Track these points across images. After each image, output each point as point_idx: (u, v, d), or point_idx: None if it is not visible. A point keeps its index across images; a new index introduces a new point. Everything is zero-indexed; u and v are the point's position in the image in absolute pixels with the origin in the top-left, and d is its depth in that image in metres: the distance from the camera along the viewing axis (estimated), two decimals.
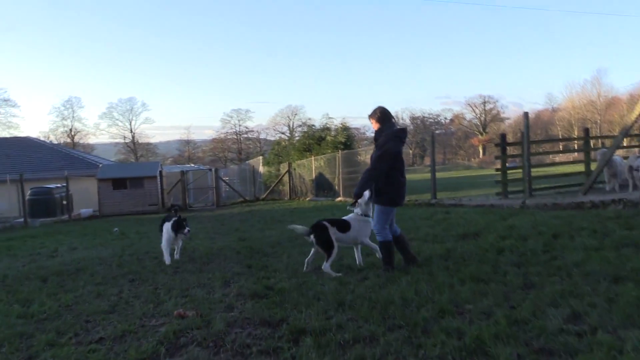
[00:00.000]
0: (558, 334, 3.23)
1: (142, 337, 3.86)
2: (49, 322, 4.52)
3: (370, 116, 5.96)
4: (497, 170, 13.65)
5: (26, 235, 14.79)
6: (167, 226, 7.84)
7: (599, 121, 67.47)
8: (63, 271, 7.42)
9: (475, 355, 3.02)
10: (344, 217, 6.13)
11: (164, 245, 7.81)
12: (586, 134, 14.57)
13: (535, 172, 13.29)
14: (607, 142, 17.68)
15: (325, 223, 6.01)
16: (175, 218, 7.93)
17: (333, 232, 5.94)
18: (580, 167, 15.44)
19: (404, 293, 4.44)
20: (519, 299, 4.10)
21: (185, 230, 7.73)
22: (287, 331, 3.70)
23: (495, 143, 14.81)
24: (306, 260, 6.14)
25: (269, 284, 5.39)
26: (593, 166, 14.05)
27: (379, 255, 6.00)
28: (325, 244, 5.89)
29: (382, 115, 5.88)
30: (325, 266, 5.82)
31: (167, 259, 7.61)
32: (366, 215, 6.04)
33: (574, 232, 7.03)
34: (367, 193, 5.81)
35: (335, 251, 5.87)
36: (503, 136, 13.45)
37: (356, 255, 6.24)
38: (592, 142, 15.00)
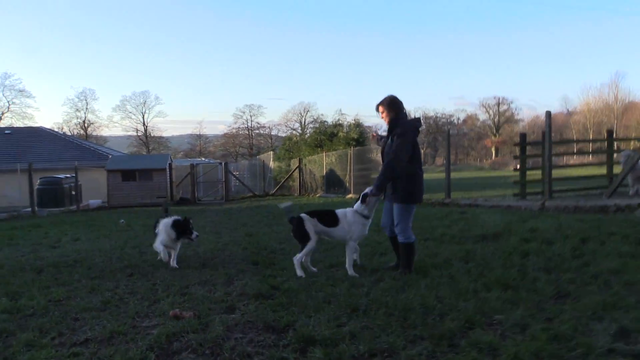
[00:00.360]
0: (608, 355, 2.78)
1: (131, 340, 3.45)
2: (35, 319, 4.13)
3: (380, 104, 5.44)
4: (515, 170, 13.12)
5: (31, 224, 14.49)
6: (166, 224, 6.60)
7: (615, 125, 66.29)
8: (60, 263, 7.06)
9: None
10: (336, 210, 5.68)
11: (158, 246, 6.69)
12: (609, 135, 13.99)
13: (554, 174, 12.77)
14: (631, 145, 17.08)
15: (303, 215, 5.58)
16: (177, 218, 6.67)
17: (313, 223, 5.51)
18: (600, 170, 14.91)
19: (424, 299, 3.99)
20: (555, 310, 3.64)
21: (193, 236, 6.60)
22: (293, 339, 3.27)
23: (514, 143, 14.27)
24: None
25: (275, 283, 4.96)
26: (616, 169, 13.50)
27: (351, 262, 5.46)
28: (300, 237, 5.53)
29: (393, 104, 5.41)
30: (296, 258, 5.48)
31: (164, 257, 6.65)
32: (366, 216, 5.49)
33: (603, 237, 6.55)
34: (368, 189, 5.37)
35: (310, 244, 5.46)
36: (523, 135, 12.94)
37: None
38: (615, 145, 14.39)
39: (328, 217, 5.56)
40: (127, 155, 37.64)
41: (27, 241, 10.35)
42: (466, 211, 11.18)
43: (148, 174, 23.73)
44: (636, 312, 3.45)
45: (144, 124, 76.61)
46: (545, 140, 11.71)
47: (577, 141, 18.14)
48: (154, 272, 6.08)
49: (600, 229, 7.24)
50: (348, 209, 5.60)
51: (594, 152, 16.53)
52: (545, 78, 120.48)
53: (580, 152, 17.99)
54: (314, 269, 5.63)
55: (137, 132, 76.63)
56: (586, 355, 2.79)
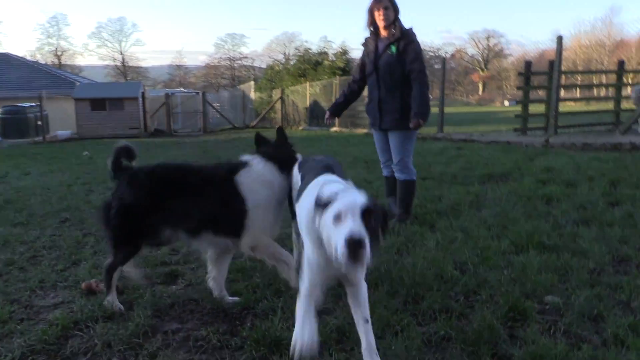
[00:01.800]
0: None
1: (8, 334, 2.31)
2: None
3: (380, 2, 4.09)
4: (517, 102, 11.94)
5: None
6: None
7: (605, 63, 64.61)
8: None
9: None
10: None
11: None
12: (620, 67, 12.74)
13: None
14: None
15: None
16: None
17: None
18: (606, 105, 13.80)
19: (439, 266, 2.87)
20: (627, 286, 2.57)
21: None
22: (252, 335, 2.17)
23: (518, 72, 13.02)
24: None
25: None
26: (626, 105, 12.41)
27: None
28: None
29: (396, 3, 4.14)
30: None
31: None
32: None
33: (636, 180, 5.51)
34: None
35: None
36: (528, 64, 11.63)
37: None
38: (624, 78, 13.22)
39: None
40: (97, 82, 35.29)
41: None
42: (462, 147, 10.08)
43: (119, 103, 22.00)
44: None
45: (121, 52, 73.40)
46: (554, 69, 10.46)
47: (590, 72, 16.80)
48: (92, 218, 4.90)
49: (628, 170, 6.20)
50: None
51: (602, 85, 15.31)
52: (536, 14, 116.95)
53: (585, 86, 16.63)
54: None
55: (114, 61, 73.53)
56: None
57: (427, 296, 2.46)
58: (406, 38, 3.99)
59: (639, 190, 5.04)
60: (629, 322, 2.10)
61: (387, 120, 4.19)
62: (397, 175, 4.24)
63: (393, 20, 4.03)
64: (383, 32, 4.12)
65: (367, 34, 4.30)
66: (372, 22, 4.15)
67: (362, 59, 4.36)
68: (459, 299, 2.47)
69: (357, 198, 1.61)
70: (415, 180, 4.27)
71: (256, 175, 2.55)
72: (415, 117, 4.01)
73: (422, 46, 4.25)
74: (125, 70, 73.44)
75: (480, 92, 76.79)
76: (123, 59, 74.11)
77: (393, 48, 4.02)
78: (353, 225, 1.53)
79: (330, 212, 1.61)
